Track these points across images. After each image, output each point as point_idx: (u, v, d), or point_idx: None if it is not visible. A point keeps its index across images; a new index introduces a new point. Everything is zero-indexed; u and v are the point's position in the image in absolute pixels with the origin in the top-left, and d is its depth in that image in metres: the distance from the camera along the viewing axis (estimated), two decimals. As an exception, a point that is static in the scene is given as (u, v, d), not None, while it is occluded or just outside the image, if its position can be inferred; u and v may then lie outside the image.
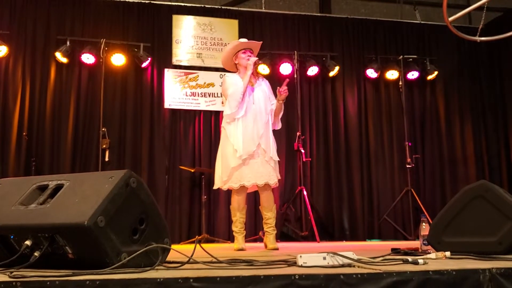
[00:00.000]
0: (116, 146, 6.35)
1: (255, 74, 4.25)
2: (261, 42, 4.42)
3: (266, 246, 4.04)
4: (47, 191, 2.00)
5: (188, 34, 6.90)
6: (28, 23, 6.38)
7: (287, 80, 4.16)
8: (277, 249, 3.89)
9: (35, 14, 6.42)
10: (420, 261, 1.89)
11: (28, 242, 1.82)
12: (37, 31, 6.40)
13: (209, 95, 6.78)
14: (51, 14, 6.49)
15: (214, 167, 4.19)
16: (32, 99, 6.25)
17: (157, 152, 6.51)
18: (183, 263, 1.88)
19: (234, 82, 4.09)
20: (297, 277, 1.58)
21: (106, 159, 6.10)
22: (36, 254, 1.79)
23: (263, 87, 4.20)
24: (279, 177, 4.13)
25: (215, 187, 4.15)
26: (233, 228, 4.05)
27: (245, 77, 4.05)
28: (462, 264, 1.91)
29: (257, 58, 4.17)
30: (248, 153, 3.92)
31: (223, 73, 6.84)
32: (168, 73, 6.73)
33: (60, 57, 6.29)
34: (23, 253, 1.81)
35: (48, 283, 1.45)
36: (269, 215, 4.02)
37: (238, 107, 3.99)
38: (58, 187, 1.99)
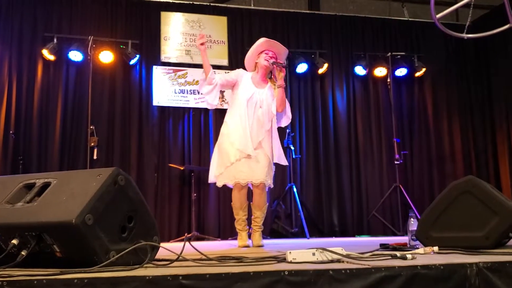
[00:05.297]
0: (104, 144, 6.31)
1: (264, 78, 4.09)
2: (287, 50, 4.19)
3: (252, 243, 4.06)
4: (34, 189, 1.99)
5: (176, 31, 6.87)
6: (14, 19, 6.30)
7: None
8: (262, 246, 3.90)
9: (21, 10, 6.35)
10: (409, 256, 1.90)
11: (15, 241, 1.80)
12: (23, 28, 6.33)
13: (198, 92, 6.75)
14: (38, 11, 6.42)
15: (206, 163, 4.11)
16: (19, 97, 6.18)
17: (146, 150, 6.48)
18: (172, 261, 1.88)
19: (233, 76, 4.06)
20: (286, 273, 1.59)
21: (95, 157, 6.05)
22: (23, 253, 1.77)
23: (271, 93, 4.04)
24: (271, 183, 4.04)
25: (209, 181, 4.09)
26: (237, 226, 4.03)
27: (204, 57, 3.93)
28: (449, 258, 1.93)
29: (274, 60, 3.98)
30: (245, 150, 3.85)
31: (212, 70, 6.82)
32: (157, 70, 6.70)
33: (47, 54, 6.23)
34: (10, 252, 1.79)
35: (35, 282, 1.44)
36: (258, 214, 4.02)
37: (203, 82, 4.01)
38: (46, 185, 1.97)
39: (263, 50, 4.10)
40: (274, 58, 4.04)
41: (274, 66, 3.98)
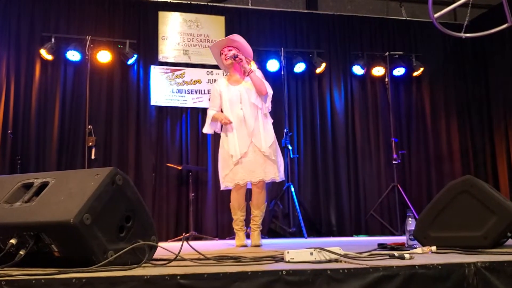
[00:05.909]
0: (102, 143, 6.30)
1: (237, 73, 4.15)
2: (234, 35, 4.27)
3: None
4: (32, 189, 1.98)
5: (174, 31, 6.87)
6: (12, 19, 6.29)
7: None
8: (260, 245, 3.91)
9: (19, 10, 6.33)
10: (406, 256, 1.90)
11: (13, 241, 1.80)
12: (21, 28, 6.32)
13: (196, 92, 6.76)
14: (35, 10, 6.41)
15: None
16: (17, 97, 6.17)
17: (143, 150, 6.47)
18: (170, 260, 1.88)
19: (215, 94, 4.14)
20: (284, 273, 1.59)
21: (92, 157, 6.05)
22: (21, 252, 1.77)
23: (249, 83, 4.08)
24: (281, 174, 4.05)
25: (221, 188, 4.18)
26: (234, 226, 4.05)
27: (214, 118, 4.06)
28: (447, 258, 1.93)
29: (232, 54, 4.06)
30: (241, 153, 3.91)
31: (210, 69, 6.83)
32: (155, 70, 6.69)
33: (45, 54, 6.22)
34: (8, 252, 1.79)
35: (33, 281, 1.44)
36: (256, 213, 4.03)
37: (210, 129, 4.11)
38: (44, 185, 1.97)
39: (220, 53, 4.20)
40: (233, 49, 4.14)
41: (233, 60, 4.07)
